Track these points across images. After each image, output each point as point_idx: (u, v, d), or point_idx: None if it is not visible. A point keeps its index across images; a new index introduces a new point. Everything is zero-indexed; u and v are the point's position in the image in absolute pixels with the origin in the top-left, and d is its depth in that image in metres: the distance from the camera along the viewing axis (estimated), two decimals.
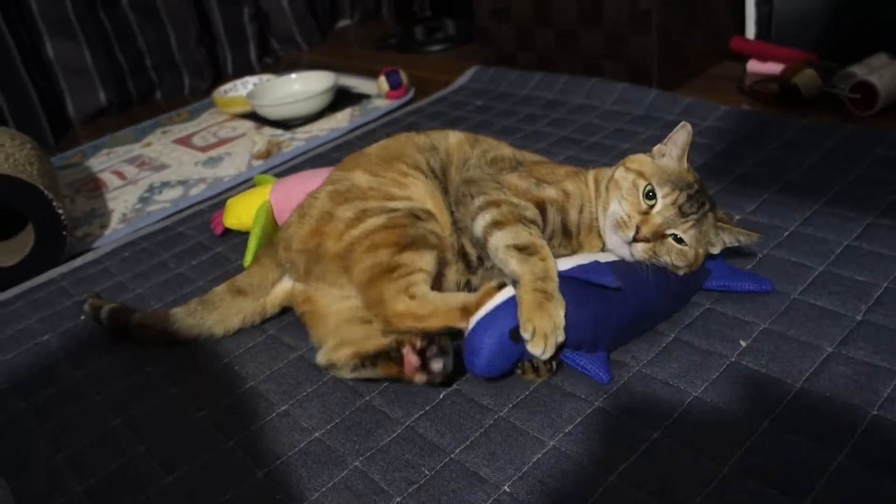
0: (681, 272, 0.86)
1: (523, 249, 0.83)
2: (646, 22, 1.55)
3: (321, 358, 0.89)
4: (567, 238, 0.91)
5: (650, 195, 0.84)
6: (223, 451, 0.82)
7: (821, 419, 0.72)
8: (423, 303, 0.83)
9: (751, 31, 1.71)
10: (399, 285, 0.84)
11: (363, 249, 0.87)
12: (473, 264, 0.93)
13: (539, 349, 0.77)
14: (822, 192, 1.09)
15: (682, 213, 0.83)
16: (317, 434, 0.82)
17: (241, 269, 1.16)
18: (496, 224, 0.86)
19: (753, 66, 1.62)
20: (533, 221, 0.87)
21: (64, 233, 1.28)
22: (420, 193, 0.93)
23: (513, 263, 0.82)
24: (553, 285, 0.80)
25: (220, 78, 2.32)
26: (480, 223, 0.88)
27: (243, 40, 2.37)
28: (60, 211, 1.26)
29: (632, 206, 0.85)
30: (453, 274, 0.94)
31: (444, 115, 1.68)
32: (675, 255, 0.84)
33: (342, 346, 0.87)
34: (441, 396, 0.84)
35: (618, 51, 1.63)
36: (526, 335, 0.77)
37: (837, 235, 0.99)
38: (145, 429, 0.88)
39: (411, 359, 0.78)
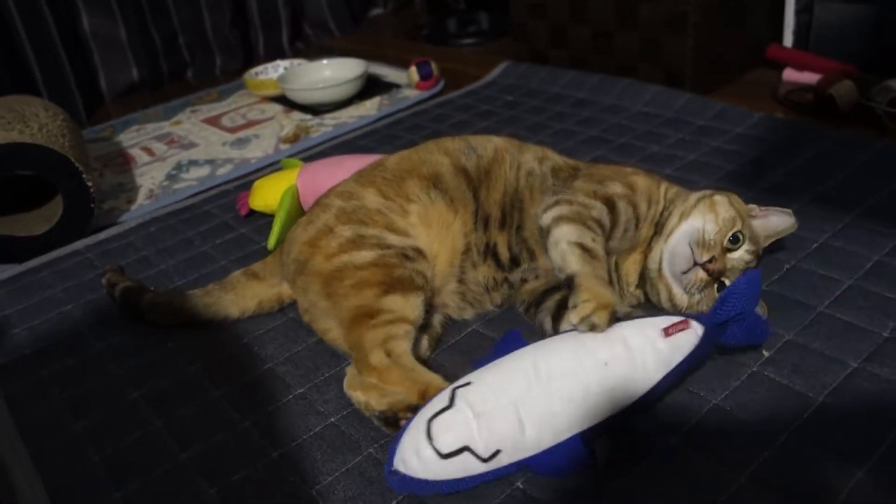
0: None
1: (586, 250, 0.82)
2: (682, 25, 1.54)
3: (346, 386, 0.84)
4: (636, 227, 0.91)
5: (736, 240, 0.84)
6: (239, 431, 0.83)
7: (841, 435, 0.71)
8: (393, 370, 0.79)
9: (788, 40, 1.68)
10: (378, 335, 0.82)
11: (351, 284, 0.85)
12: (505, 265, 0.93)
13: (588, 310, 0.74)
14: (854, 205, 1.08)
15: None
16: (332, 419, 0.83)
17: (264, 250, 1.17)
18: (564, 218, 0.86)
19: (789, 74, 1.60)
20: (598, 221, 0.86)
21: (92, 205, 1.29)
22: (420, 224, 0.92)
23: (573, 259, 0.81)
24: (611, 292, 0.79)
25: (252, 60, 2.32)
26: (550, 215, 0.87)
27: (276, 24, 2.38)
28: (90, 183, 1.27)
29: (720, 234, 0.84)
30: (482, 273, 0.94)
31: (473, 108, 1.68)
32: (706, 302, 0.84)
33: (360, 388, 0.82)
34: None
35: (652, 53, 1.62)
36: (578, 306, 0.75)
37: (868, 250, 0.97)
38: (163, 404, 0.88)
39: None
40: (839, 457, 0.69)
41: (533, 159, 0.98)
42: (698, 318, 0.76)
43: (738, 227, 0.85)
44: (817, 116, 1.42)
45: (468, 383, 0.71)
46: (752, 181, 1.19)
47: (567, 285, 0.81)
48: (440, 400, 0.70)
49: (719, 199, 0.88)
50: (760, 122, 1.39)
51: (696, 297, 0.85)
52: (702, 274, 0.83)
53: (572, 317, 0.75)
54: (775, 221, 0.88)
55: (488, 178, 0.96)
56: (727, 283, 0.84)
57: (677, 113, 1.48)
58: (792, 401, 0.76)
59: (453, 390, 0.71)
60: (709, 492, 0.67)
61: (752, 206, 0.90)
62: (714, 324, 0.75)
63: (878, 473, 0.66)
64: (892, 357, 0.80)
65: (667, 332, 0.73)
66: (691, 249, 0.84)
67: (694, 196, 0.90)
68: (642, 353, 0.72)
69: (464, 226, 0.93)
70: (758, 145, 1.31)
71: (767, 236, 0.89)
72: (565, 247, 0.83)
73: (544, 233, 0.87)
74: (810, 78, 1.54)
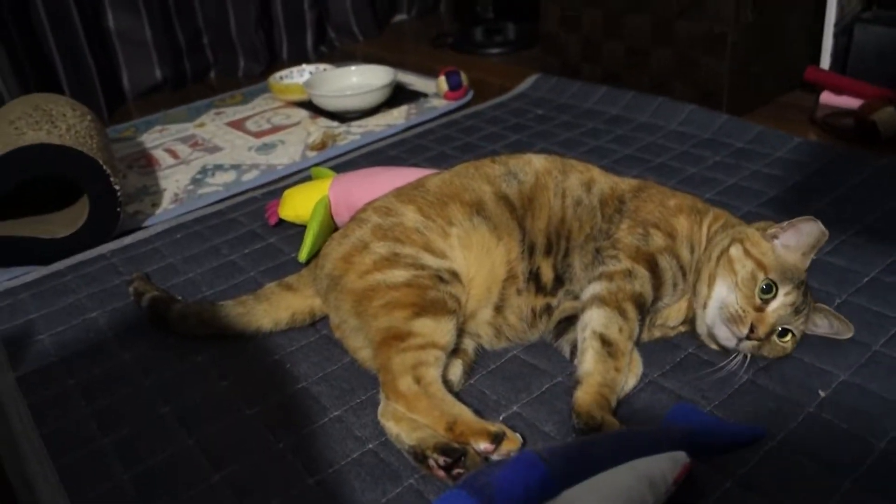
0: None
1: (607, 344, 0.80)
2: (721, 44, 1.51)
3: (380, 415, 0.81)
4: (683, 277, 0.88)
5: (768, 289, 0.81)
6: (273, 453, 0.80)
7: None
8: (421, 399, 0.77)
9: (825, 62, 1.66)
10: (407, 360, 0.80)
11: (381, 304, 0.84)
12: (547, 287, 0.91)
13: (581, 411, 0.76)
14: None
15: (797, 311, 0.81)
16: (370, 445, 0.80)
17: (294, 261, 1.15)
18: (600, 299, 0.84)
19: (827, 97, 1.57)
20: (639, 299, 0.84)
21: (118, 209, 1.27)
22: (459, 247, 0.89)
23: (588, 356, 0.80)
24: (614, 400, 0.79)
25: (275, 62, 2.31)
26: (590, 291, 0.86)
27: (301, 26, 2.35)
28: (117, 187, 1.25)
29: (746, 298, 0.82)
30: (524, 300, 0.91)
31: (503, 121, 1.65)
32: (777, 352, 0.84)
33: (392, 419, 0.79)
34: (500, 419, 0.81)
35: (688, 71, 1.59)
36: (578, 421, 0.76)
37: None
38: (194, 420, 0.86)
39: (438, 473, 0.73)
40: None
41: (579, 185, 0.95)
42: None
43: (760, 279, 0.81)
44: (856, 141, 1.40)
45: None
46: (796, 209, 1.16)
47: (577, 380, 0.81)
48: None
49: (734, 253, 0.84)
50: (800, 146, 1.36)
51: (762, 354, 0.84)
52: (750, 343, 0.82)
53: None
54: (805, 231, 0.83)
55: (532, 205, 0.93)
56: (790, 328, 0.82)
57: (714, 134, 1.45)
58: (852, 445, 0.73)
59: None
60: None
61: (772, 229, 0.85)
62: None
63: None
64: None
65: (675, 480, 0.67)
66: (728, 329, 0.83)
67: (716, 251, 0.86)
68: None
69: (507, 252, 0.90)
70: (799, 170, 1.28)
71: (804, 254, 0.84)
72: (587, 337, 0.82)
73: (581, 308, 0.86)
74: (848, 102, 1.51)
